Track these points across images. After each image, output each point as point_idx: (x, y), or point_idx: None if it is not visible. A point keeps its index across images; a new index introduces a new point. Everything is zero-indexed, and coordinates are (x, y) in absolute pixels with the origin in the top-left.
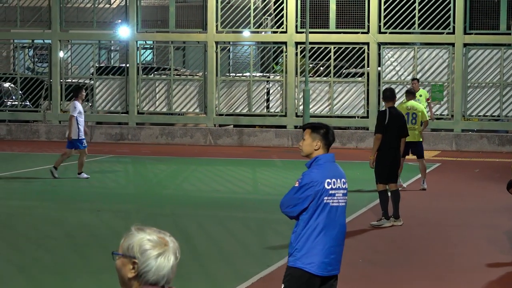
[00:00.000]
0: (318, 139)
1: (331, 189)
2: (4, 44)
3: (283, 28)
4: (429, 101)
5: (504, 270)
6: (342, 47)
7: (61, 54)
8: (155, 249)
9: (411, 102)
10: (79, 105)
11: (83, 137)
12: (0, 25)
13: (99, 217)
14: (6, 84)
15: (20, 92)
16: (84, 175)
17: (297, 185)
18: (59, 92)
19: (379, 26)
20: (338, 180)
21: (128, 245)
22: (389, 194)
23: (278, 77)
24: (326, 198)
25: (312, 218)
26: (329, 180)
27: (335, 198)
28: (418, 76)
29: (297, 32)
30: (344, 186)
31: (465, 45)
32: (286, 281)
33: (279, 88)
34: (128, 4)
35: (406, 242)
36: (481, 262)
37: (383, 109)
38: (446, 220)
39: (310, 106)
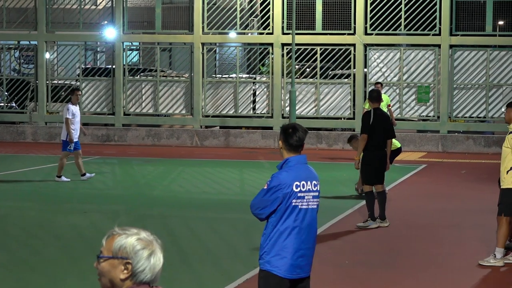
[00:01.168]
0: (281, 140)
1: (300, 191)
2: None
3: (269, 29)
4: (390, 107)
5: (493, 270)
6: (328, 49)
7: (47, 55)
8: (146, 249)
9: None
10: (71, 107)
11: (74, 140)
12: None
13: (87, 218)
14: None
15: (6, 93)
16: (64, 178)
17: (266, 187)
18: (45, 93)
19: (365, 28)
20: (308, 183)
21: (119, 247)
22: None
23: (264, 79)
24: (294, 200)
25: (280, 220)
26: (297, 183)
27: (305, 200)
28: (404, 78)
29: (283, 34)
30: (315, 189)
31: (451, 46)
32: (260, 284)
33: (265, 89)
34: (114, 5)
35: (393, 243)
36: (470, 262)
37: (368, 109)
38: (433, 220)
39: (297, 108)
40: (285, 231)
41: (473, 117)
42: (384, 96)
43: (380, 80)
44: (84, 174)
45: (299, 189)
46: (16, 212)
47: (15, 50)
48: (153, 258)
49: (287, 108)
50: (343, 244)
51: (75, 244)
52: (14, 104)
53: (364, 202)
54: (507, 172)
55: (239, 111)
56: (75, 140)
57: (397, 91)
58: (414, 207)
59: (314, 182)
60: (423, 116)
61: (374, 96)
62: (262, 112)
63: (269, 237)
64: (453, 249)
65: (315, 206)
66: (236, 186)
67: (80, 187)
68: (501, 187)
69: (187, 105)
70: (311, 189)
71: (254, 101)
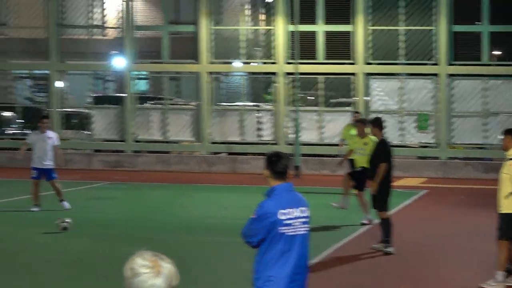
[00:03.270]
0: (266, 168)
1: (286, 219)
2: (3, 74)
3: (273, 59)
4: None
5: None
6: (330, 78)
7: (58, 84)
8: (142, 268)
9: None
10: (32, 135)
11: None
12: (0, 56)
13: (97, 242)
14: (6, 113)
15: (19, 121)
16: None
17: (253, 216)
18: (57, 121)
19: (366, 58)
20: (295, 209)
21: (126, 267)
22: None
23: (269, 107)
24: (281, 228)
25: (269, 248)
26: (283, 211)
27: (292, 227)
28: (404, 106)
29: (286, 63)
30: (303, 215)
31: (449, 75)
32: None
33: (270, 117)
34: (123, 35)
35: (394, 267)
36: (471, 286)
37: (381, 138)
38: (433, 245)
39: (300, 135)
40: (274, 258)
41: (471, 144)
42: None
43: (381, 108)
44: (35, 205)
45: (285, 216)
46: (29, 238)
47: (28, 80)
48: (141, 277)
49: (291, 135)
50: (347, 268)
51: (78, 268)
52: (27, 131)
53: (369, 227)
54: (505, 197)
55: (245, 138)
56: (37, 167)
57: (398, 118)
58: (415, 232)
59: (301, 208)
60: (423, 143)
61: (381, 124)
62: (267, 139)
63: (260, 264)
64: (454, 273)
65: (304, 232)
66: (242, 211)
67: (89, 212)
68: (499, 212)
69: (195, 132)
70: (298, 216)
71: (259, 129)
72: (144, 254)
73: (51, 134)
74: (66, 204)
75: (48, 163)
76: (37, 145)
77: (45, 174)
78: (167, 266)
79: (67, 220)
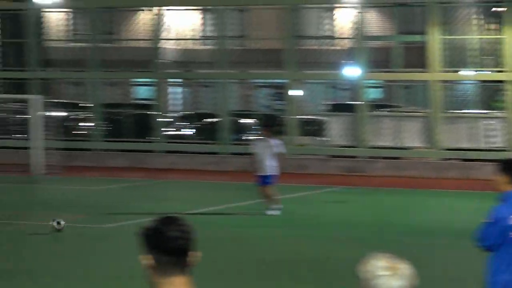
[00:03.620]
0: (503, 174)
1: None
2: (244, 83)
3: (503, 67)
4: None
5: None
6: None
7: (295, 92)
8: (381, 270)
9: None
10: (255, 142)
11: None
12: (240, 66)
13: (333, 244)
14: (246, 120)
15: (257, 127)
16: (270, 211)
17: (484, 220)
18: (293, 127)
19: None
20: None
21: (363, 270)
22: None
23: (499, 114)
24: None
25: (499, 252)
26: None
27: None
28: None
29: None
30: None
31: None
32: None
33: (501, 124)
34: (355, 46)
35: None
36: None
37: None
38: None
39: None
40: (504, 263)
41: None
42: None
43: None
44: (269, 209)
45: None
46: (264, 238)
47: (266, 88)
48: (381, 280)
49: None
50: None
51: (316, 268)
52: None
53: None
54: None
55: (476, 144)
56: (260, 174)
57: None
58: None
59: None
60: None
61: None
62: (499, 146)
63: (493, 267)
64: None
65: None
66: (474, 216)
67: (326, 215)
68: None
69: (426, 139)
70: None
71: (490, 135)
72: (382, 256)
73: (274, 141)
74: (272, 212)
75: (269, 170)
76: (260, 153)
77: (265, 179)
78: (405, 268)
79: (62, 222)
